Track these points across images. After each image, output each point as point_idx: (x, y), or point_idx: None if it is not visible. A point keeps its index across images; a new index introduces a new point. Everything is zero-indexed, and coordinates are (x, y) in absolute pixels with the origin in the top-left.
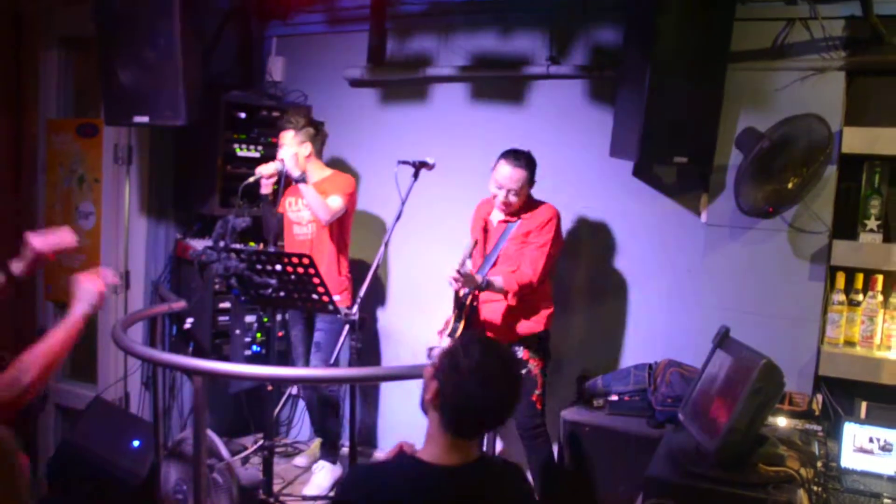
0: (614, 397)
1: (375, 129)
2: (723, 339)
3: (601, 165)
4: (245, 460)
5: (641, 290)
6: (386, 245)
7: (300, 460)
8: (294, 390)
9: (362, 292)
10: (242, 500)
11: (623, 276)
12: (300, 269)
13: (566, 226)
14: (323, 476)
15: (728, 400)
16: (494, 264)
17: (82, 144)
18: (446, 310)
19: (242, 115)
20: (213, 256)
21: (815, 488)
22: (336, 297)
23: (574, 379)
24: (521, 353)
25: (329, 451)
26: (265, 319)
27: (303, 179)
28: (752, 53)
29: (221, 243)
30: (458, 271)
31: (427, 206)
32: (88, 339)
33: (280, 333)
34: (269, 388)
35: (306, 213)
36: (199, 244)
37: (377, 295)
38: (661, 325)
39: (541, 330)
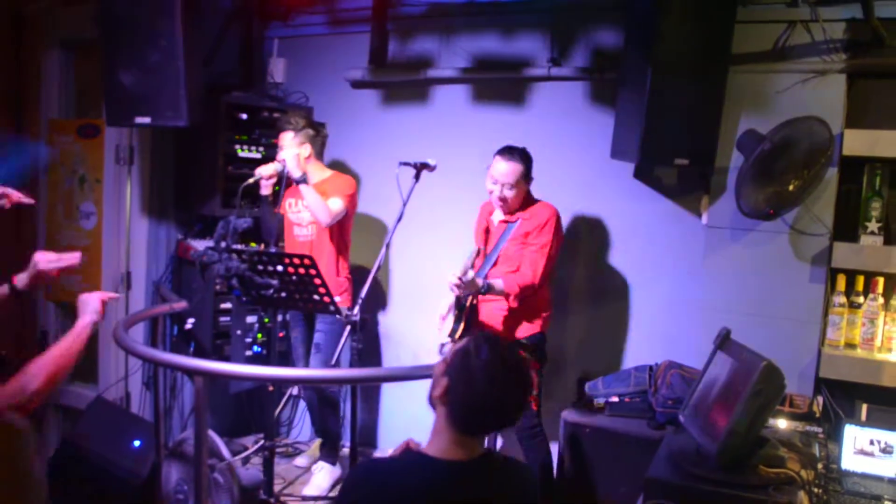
0: (615, 399)
1: (377, 131)
2: (724, 341)
3: (602, 167)
4: (246, 460)
5: (642, 292)
6: (387, 246)
7: (301, 461)
8: (295, 391)
9: (363, 293)
10: (243, 501)
11: (624, 278)
12: (301, 270)
13: (567, 227)
14: (322, 477)
15: (729, 402)
16: (495, 264)
17: (84, 145)
18: (443, 311)
19: (244, 116)
20: (215, 257)
21: (815, 490)
22: (336, 299)
23: (575, 380)
24: None
25: (329, 452)
26: (266, 320)
27: (304, 180)
28: (753, 56)
29: (223, 244)
30: (460, 279)
31: (428, 208)
32: (90, 339)
33: (281, 334)
34: (270, 388)
35: (307, 215)
36: (200, 245)
37: (378, 296)
38: (662, 326)
39: (538, 332)
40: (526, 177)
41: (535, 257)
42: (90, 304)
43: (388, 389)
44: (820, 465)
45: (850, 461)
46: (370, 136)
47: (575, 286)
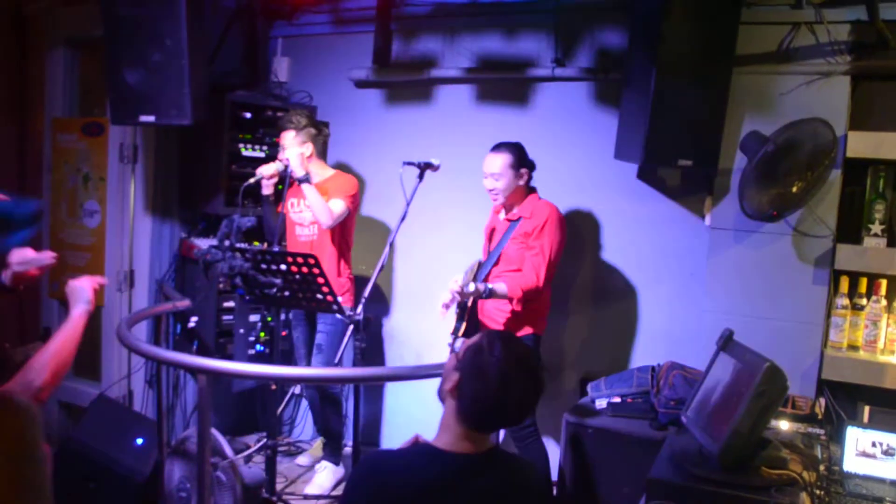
0: (617, 399)
1: (380, 130)
2: (726, 342)
3: (605, 168)
4: (248, 459)
5: (645, 293)
6: (390, 246)
7: (303, 459)
8: (297, 389)
9: (367, 292)
10: (246, 499)
11: (627, 279)
12: (305, 269)
13: (570, 228)
14: (325, 476)
15: (731, 403)
16: (497, 263)
17: (88, 143)
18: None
19: (248, 115)
20: (218, 255)
21: (817, 492)
22: (338, 299)
23: (577, 381)
24: None
25: (332, 452)
26: (269, 319)
27: (307, 180)
28: (758, 57)
29: (226, 242)
30: (461, 289)
31: (432, 208)
32: (92, 337)
33: (284, 333)
34: (273, 387)
35: (308, 214)
36: (203, 243)
37: (381, 295)
38: (665, 327)
39: (530, 333)
40: (515, 167)
41: (536, 261)
42: (82, 293)
43: (391, 389)
44: (822, 467)
45: (851, 463)
46: (374, 136)
47: (578, 286)
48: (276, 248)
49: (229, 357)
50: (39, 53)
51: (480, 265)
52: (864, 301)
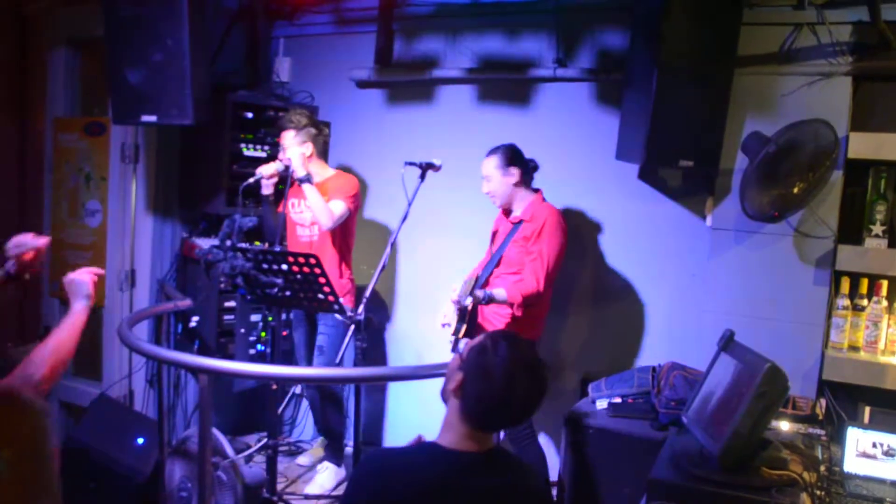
0: (618, 399)
1: (382, 130)
2: (727, 343)
3: (607, 168)
4: (249, 459)
5: (646, 293)
6: (392, 246)
7: (303, 459)
8: (298, 389)
9: (368, 291)
10: (246, 498)
11: (628, 279)
12: (306, 269)
13: (572, 228)
14: (326, 477)
15: (732, 403)
16: (498, 264)
17: (89, 143)
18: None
19: (249, 114)
20: (220, 255)
21: (817, 492)
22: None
23: (578, 381)
24: None
25: (334, 453)
26: (270, 319)
27: (308, 180)
28: (759, 58)
29: (228, 242)
30: (460, 301)
31: (433, 208)
32: (93, 336)
33: (285, 333)
34: (274, 387)
35: (309, 215)
36: (205, 243)
37: (382, 295)
38: (665, 327)
39: (530, 334)
40: (502, 167)
41: (535, 266)
42: (81, 286)
43: (392, 389)
44: (822, 468)
45: (852, 464)
46: (375, 136)
47: (579, 287)
48: (277, 249)
49: (230, 357)
50: (40, 53)
51: (477, 279)
52: (864, 302)
